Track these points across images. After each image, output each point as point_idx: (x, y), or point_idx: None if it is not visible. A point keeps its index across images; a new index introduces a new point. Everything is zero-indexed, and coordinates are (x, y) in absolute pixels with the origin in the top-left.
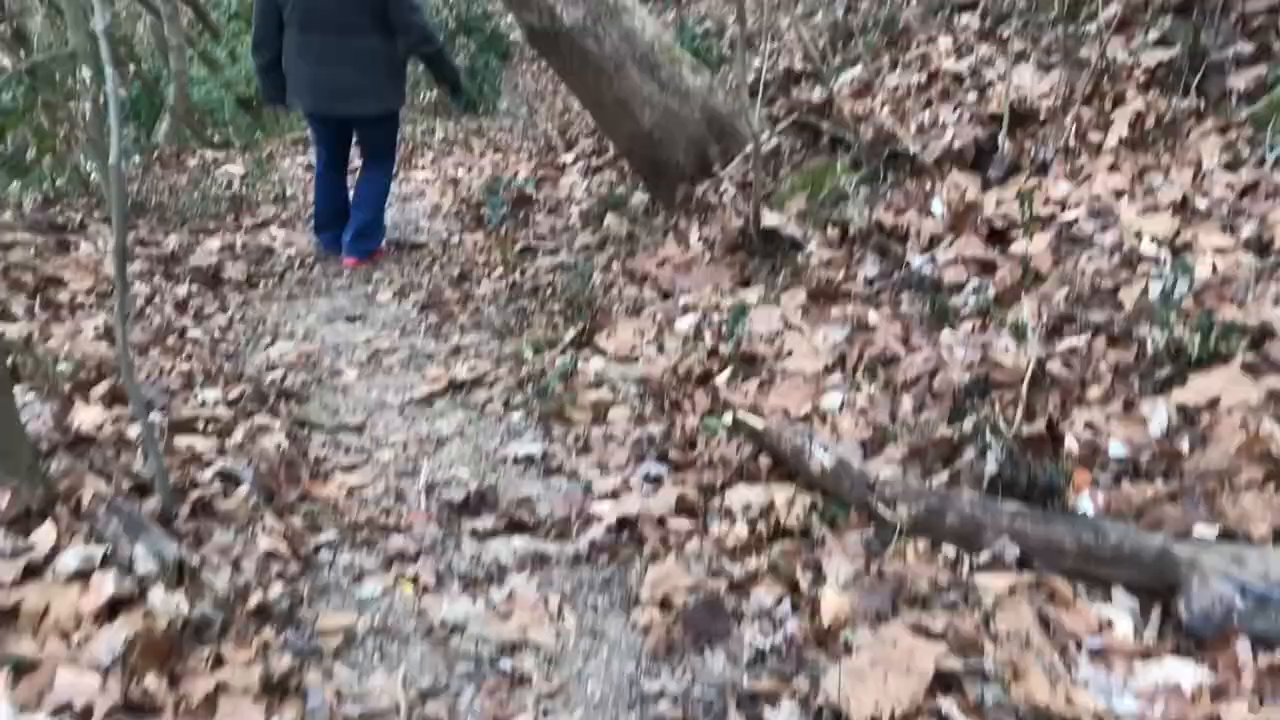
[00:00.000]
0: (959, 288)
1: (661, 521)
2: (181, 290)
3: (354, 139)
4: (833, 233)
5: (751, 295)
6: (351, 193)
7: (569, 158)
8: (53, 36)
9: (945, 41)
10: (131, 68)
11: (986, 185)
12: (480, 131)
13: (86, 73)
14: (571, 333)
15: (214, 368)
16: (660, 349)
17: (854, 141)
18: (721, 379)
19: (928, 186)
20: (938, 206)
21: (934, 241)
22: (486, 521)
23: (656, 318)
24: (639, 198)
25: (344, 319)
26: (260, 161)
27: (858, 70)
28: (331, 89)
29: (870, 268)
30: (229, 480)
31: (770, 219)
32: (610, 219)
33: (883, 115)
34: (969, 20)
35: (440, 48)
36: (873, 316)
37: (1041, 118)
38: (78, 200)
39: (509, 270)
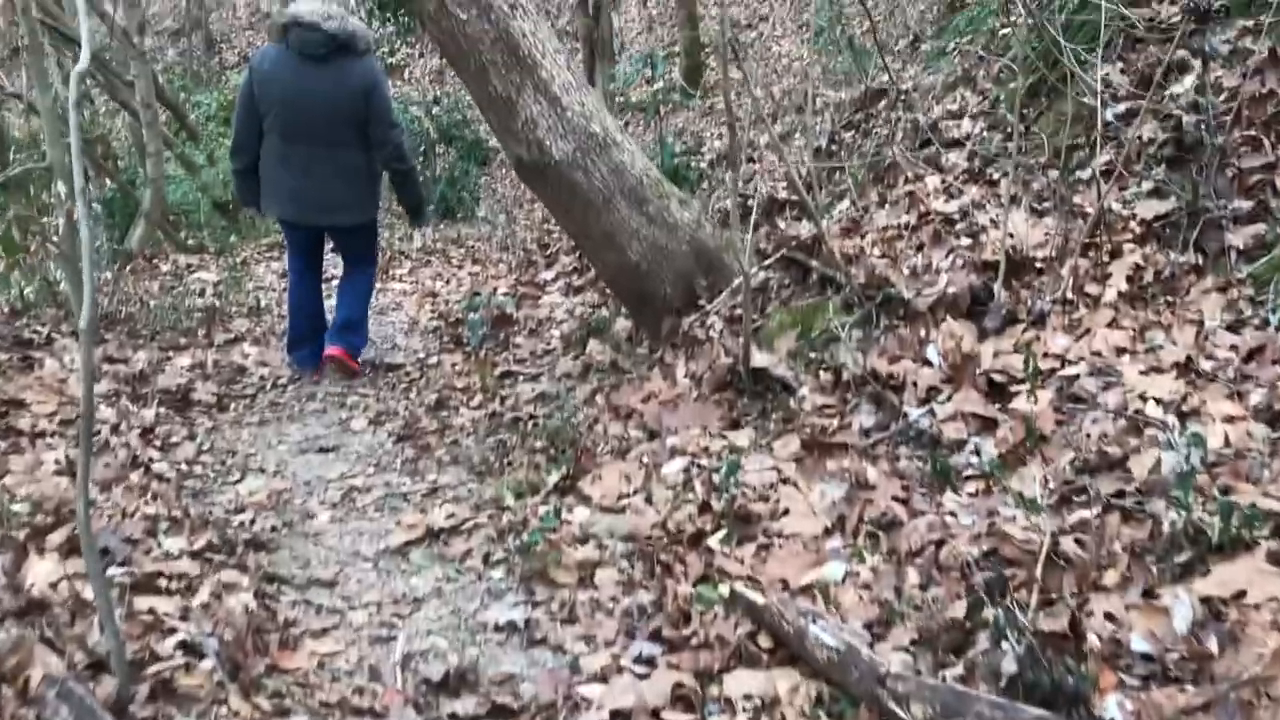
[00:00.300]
0: (960, 445)
1: (656, 714)
2: (149, 414)
3: (331, 245)
4: (825, 377)
5: (742, 438)
6: (334, 298)
7: (549, 275)
8: (29, 140)
9: (933, 181)
10: (108, 169)
11: (983, 335)
12: (458, 240)
13: (62, 186)
14: (555, 476)
15: (179, 510)
16: (649, 499)
17: (845, 282)
18: (715, 540)
19: (922, 333)
20: (934, 355)
21: (932, 393)
22: (467, 704)
23: (644, 460)
24: (622, 324)
25: (317, 450)
26: (234, 268)
27: (845, 205)
28: (313, 200)
29: (866, 417)
30: (192, 652)
31: (760, 359)
32: (593, 345)
33: (873, 256)
34: (957, 159)
35: (411, 168)
36: (871, 473)
37: (1038, 266)
38: (45, 312)
39: (489, 398)
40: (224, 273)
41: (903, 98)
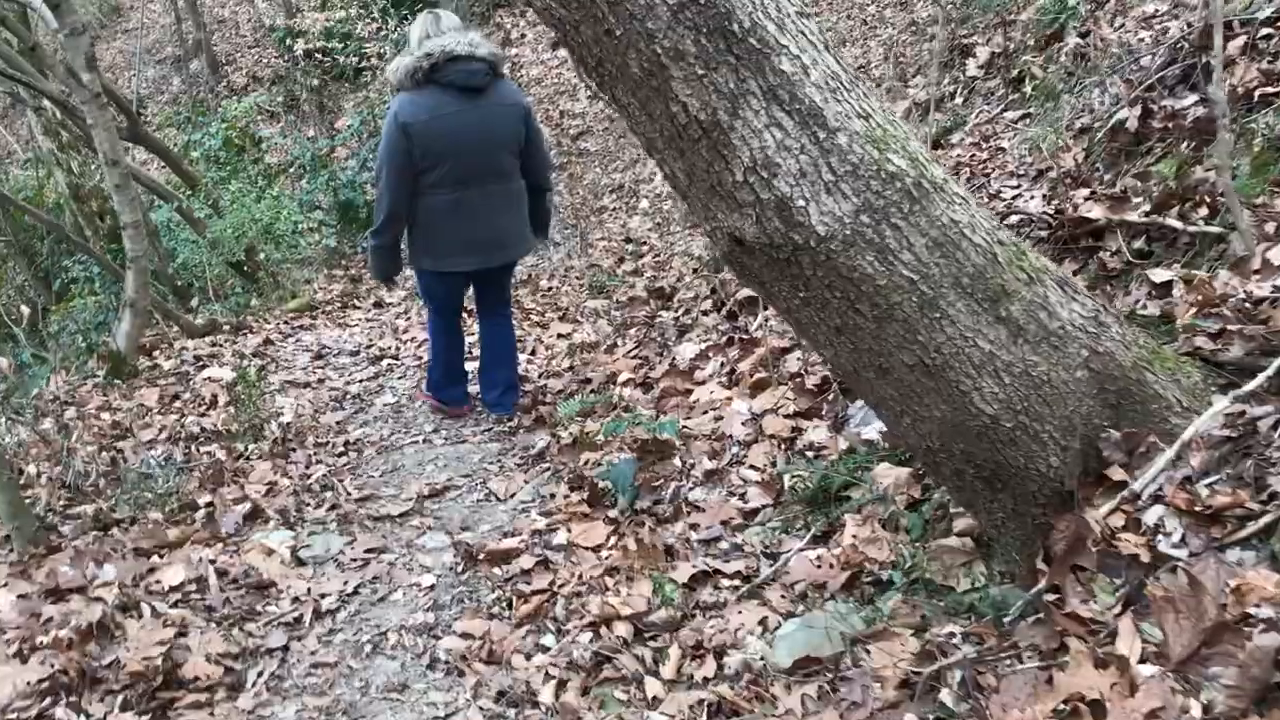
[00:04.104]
0: None
1: None
2: None
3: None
4: None
5: None
6: (484, 350)
7: (690, 349)
8: None
9: None
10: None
11: None
12: (530, 280)
13: None
14: None
15: None
16: None
17: None
18: None
19: None
20: None
21: None
22: None
23: None
24: (886, 471)
25: None
26: (255, 355)
27: None
28: (494, 241)
29: None
30: None
31: None
32: (854, 526)
33: None
34: None
35: (552, 184)
36: None
37: None
38: None
39: (689, 653)
40: (240, 370)
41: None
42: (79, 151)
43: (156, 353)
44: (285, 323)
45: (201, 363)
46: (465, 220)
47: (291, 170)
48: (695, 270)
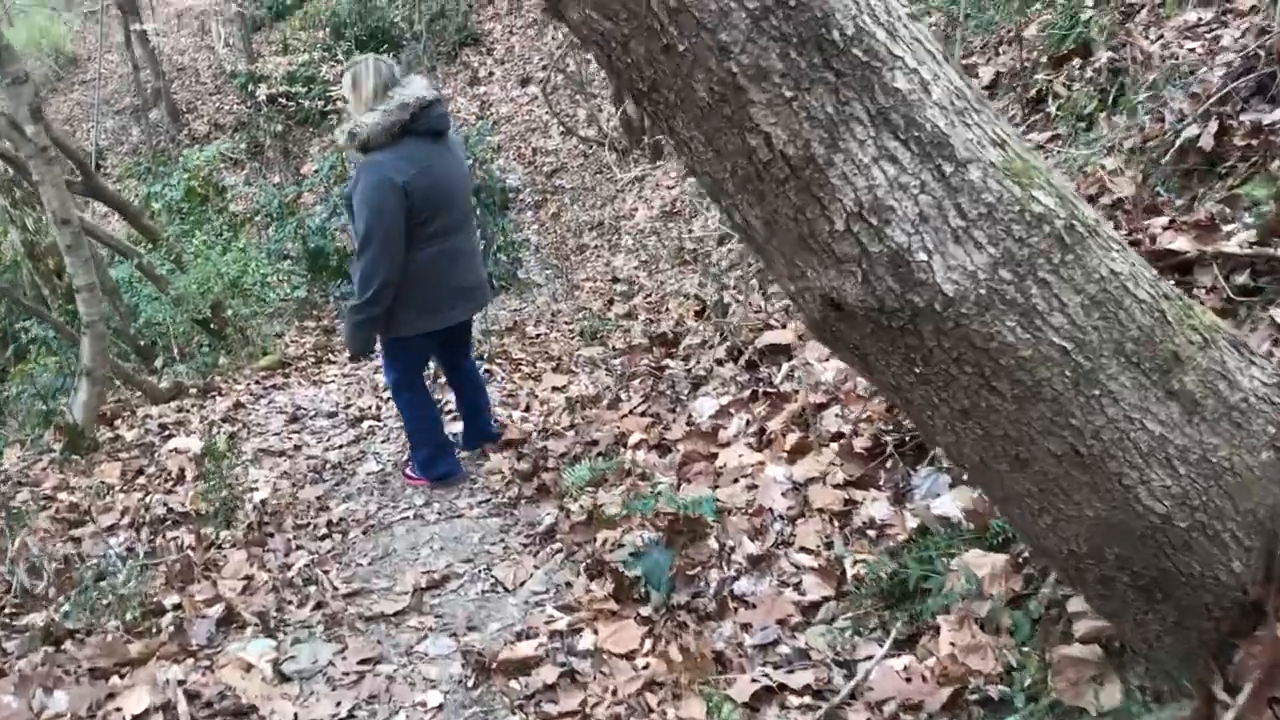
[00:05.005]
0: None
1: None
2: None
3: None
4: None
5: None
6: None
7: (708, 404)
8: None
9: None
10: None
11: None
12: (515, 328)
13: None
14: None
15: None
16: None
17: None
18: None
19: None
20: None
21: None
22: None
23: None
24: (982, 562)
25: None
26: (224, 421)
27: None
28: (477, 284)
29: None
30: None
31: None
32: (949, 631)
33: None
34: None
35: None
36: None
37: None
38: None
39: None
40: (208, 440)
41: None
42: (33, 208)
43: (118, 421)
44: (256, 382)
45: (167, 431)
46: (454, 268)
47: (258, 219)
48: (698, 313)
